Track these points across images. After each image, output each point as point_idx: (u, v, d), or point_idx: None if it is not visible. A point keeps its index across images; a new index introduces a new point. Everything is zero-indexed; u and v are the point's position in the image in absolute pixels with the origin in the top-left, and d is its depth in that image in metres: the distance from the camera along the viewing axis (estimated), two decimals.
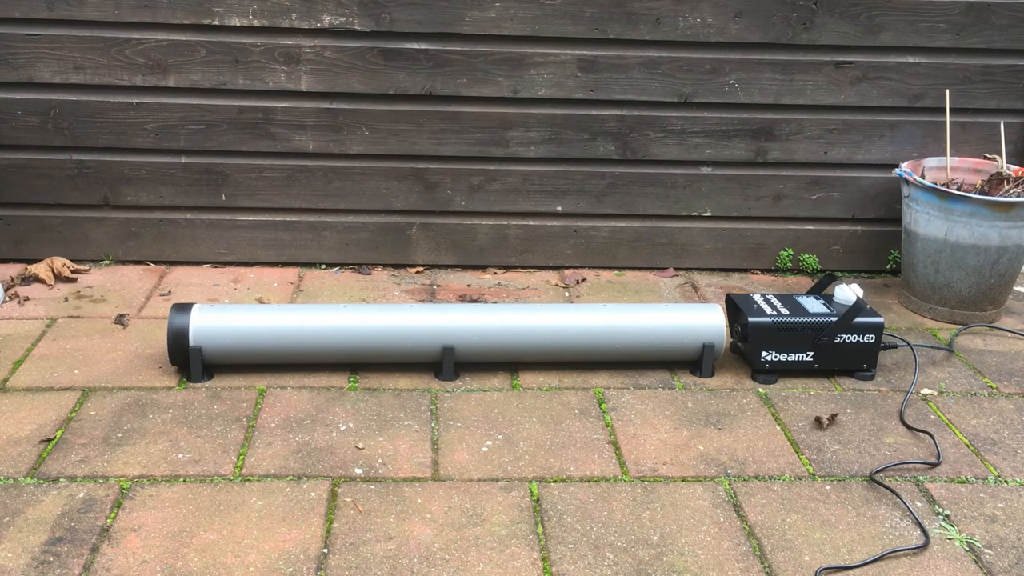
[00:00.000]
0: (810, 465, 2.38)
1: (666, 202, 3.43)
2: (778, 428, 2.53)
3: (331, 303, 3.13)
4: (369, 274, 3.41)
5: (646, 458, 2.37)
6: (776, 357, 2.73)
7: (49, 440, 2.33)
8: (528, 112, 3.28)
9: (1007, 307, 3.29)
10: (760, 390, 2.72)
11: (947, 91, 3.28)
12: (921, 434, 2.53)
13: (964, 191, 3.14)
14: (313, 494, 2.18)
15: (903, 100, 3.35)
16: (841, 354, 2.75)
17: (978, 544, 2.12)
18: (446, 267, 3.48)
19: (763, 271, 3.57)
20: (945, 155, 3.29)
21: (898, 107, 3.36)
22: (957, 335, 3.10)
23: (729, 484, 2.29)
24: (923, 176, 3.21)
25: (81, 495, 2.14)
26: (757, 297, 2.86)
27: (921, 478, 2.35)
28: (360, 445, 2.37)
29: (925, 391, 2.76)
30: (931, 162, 3.32)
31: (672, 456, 2.39)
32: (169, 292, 3.18)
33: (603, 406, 2.60)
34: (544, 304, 2.97)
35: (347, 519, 2.10)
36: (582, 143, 3.33)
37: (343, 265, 3.45)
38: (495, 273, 3.47)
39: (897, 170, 3.22)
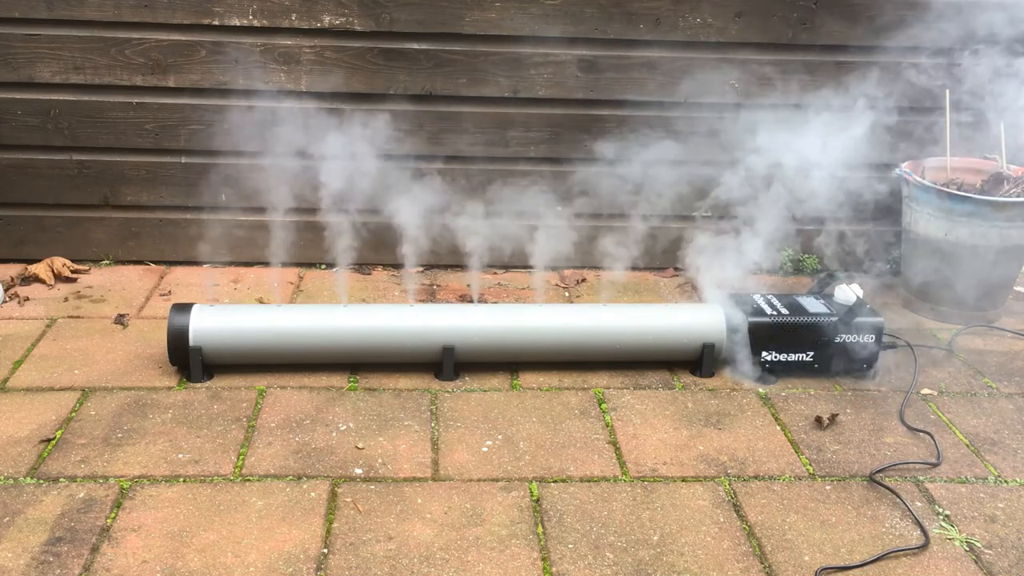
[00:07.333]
0: (810, 465, 2.38)
1: (666, 202, 3.43)
2: (778, 428, 2.53)
3: (331, 303, 3.13)
4: (369, 274, 3.41)
5: (646, 458, 2.37)
6: (776, 357, 2.73)
7: (49, 440, 2.33)
8: (528, 112, 3.28)
9: (1007, 307, 3.29)
10: (760, 390, 2.72)
11: (947, 91, 3.28)
12: (921, 434, 2.53)
13: (964, 191, 3.14)
14: (313, 494, 2.18)
15: (903, 100, 3.34)
16: (841, 354, 2.75)
17: (978, 544, 2.11)
18: (446, 267, 3.48)
19: (764, 271, 3.56)
20: (945, 155, 3.29)
21: (898, 107, 3.35)
22: (957, 335, 3.10)
23: (729, 484, 2.29)
24: (923, 176, 3.21)
25: (81, 495, 2.14)
26: (757, 297, 2.86)
27: (921, 478, 2.35)
28: (360, 445, 2.37)
29: (925, 391, 2.76)
30: (931, 162, 3.32)
31: (672, 456, 2.39)
32: (169, 292, 3.18)
33: (603, 406, 2.60)
34: (544, 304, 2.97)
35: (347, 519, 2.10)
36: (582, 143, 3.33)
37: (343, 265, 3.44)
38: (495, 273, 3.47)
39: (897, 170, 3.22)
